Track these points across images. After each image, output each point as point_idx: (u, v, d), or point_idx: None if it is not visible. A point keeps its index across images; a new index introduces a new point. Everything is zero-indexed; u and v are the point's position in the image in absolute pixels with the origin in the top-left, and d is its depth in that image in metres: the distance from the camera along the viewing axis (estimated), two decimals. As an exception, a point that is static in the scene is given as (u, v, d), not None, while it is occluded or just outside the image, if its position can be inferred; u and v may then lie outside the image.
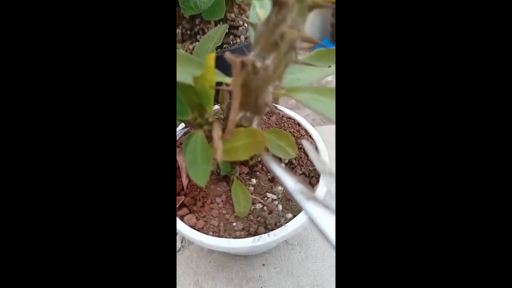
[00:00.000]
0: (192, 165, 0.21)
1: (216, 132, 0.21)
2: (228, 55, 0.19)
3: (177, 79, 0.22)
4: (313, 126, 0.34)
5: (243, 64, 0.20)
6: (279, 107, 0.35)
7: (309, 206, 0.16)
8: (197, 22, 0.50)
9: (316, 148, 0.32)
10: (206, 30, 0.47)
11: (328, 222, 0.15)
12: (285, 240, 0.36)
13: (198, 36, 0.48)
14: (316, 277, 0.33)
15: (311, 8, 0.18)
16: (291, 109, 0.36)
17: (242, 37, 0.44)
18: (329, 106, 0.19)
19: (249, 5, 0.47)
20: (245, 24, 0.47)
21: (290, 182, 0.18)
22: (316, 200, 0.16)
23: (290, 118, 0.34)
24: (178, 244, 0.38)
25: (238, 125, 0.24)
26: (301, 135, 0.33)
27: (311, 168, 0.30)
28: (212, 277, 0.35)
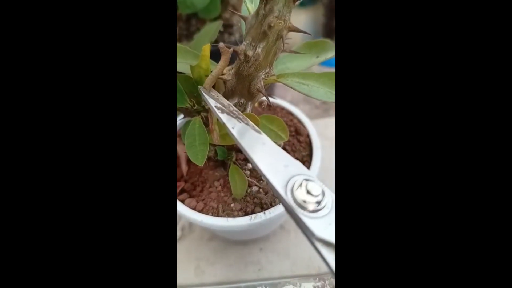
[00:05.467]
0: (190, 147, 0.23)
1: (212, 117, 0.23)
2: (221, 44, 0.21)
3: (176, 69, 0.24)
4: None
5: (236, 53, 0.22)
6: (271, 98, 0.37)
7: (223, 117, 0.20)
8: (193, 22, 0.52)
9: (308, 136, 0.34)
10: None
11: (237, 127, 0.19)
12: (281, 225, 0.38)
13: (194, 36, 0.50)
14: (312, 259, 0.35)
15: (295, 0, 0.20)
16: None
17: (237, 35, 0.46)
18: (313, 88, 0.21)
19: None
20: (239, 24, 0.49)
21: (212, 101, 0.21)
22: (228, 113, 0.20)
23: (283, 108, 0.36)
24: (179, 233, 0.40)
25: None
26: (294, 123, 0.34)
27: (304, 153, 0.32)
28: (212, 263, 0.37)
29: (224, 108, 0.20)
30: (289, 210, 0.14)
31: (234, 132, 0.18)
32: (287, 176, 0.15)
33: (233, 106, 0.21)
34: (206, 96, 0.22)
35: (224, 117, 0.19)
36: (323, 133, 0.36)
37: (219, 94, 0.22)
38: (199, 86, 0.23)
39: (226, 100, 0.21)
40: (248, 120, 0.19)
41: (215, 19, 0.47)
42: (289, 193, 0.14)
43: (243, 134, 0.18)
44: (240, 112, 0.20)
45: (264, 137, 0.18)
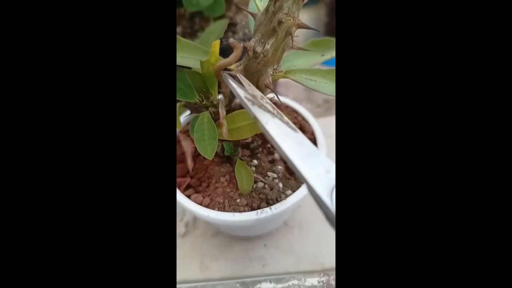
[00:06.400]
0: (200, 141, 0.23)
1: (222, 111, 0.23)
2: (231, 40, 0.21)
3: (184, 64, 0.24)
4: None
5: (245, 49, 0.22)
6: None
7: (255, 110, 0.17)
8: (196, 21, 0.52)
9: (313, 134, 0.34)
10: (205, 28, 0.49)
11: (272, 123, 0.16)
12: (285, 222, 0.38)
13: (198, 34, 0.51)
14: (316, 255, 0.35)
15: (304, -3, 0.20)
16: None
17: (241, 34, 0.47)
18: (321, 84, 0.21)
19: (246, 4, 0.50)
20: (243, 22, 0.50)
21: (241, 92, 0.19)
22: (260, 105, 0.17)
23: (287, 106, 0.37)
24: (183, 229, 0.40)
25: (241, 108, 0.26)
26: (298, 121, 0.35)
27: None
28: (216, 258, 0.37)
29: (255, 100, 0.18)
30: (332, 220, 0.13)
31: (269, 127, 0.16)
32: (331, 184, 0.14)
33: (267, 99, 0.18)
34: (234, 85, 0.19)
35: (255, 110, 0.17)
36: (325, 132, 0.37)
37: (250, 83, 0.19)
38: (223, 72, 0.21)
39: (258, 91, 0.19)
40: (283, 115, 0.17)
41: (219, 17, 0.48)
42: (334, 203, 0.13)
43: (278, 131, 0.16)
44: (274, 105, 0.17)
45: (301, 136, 0.16)
